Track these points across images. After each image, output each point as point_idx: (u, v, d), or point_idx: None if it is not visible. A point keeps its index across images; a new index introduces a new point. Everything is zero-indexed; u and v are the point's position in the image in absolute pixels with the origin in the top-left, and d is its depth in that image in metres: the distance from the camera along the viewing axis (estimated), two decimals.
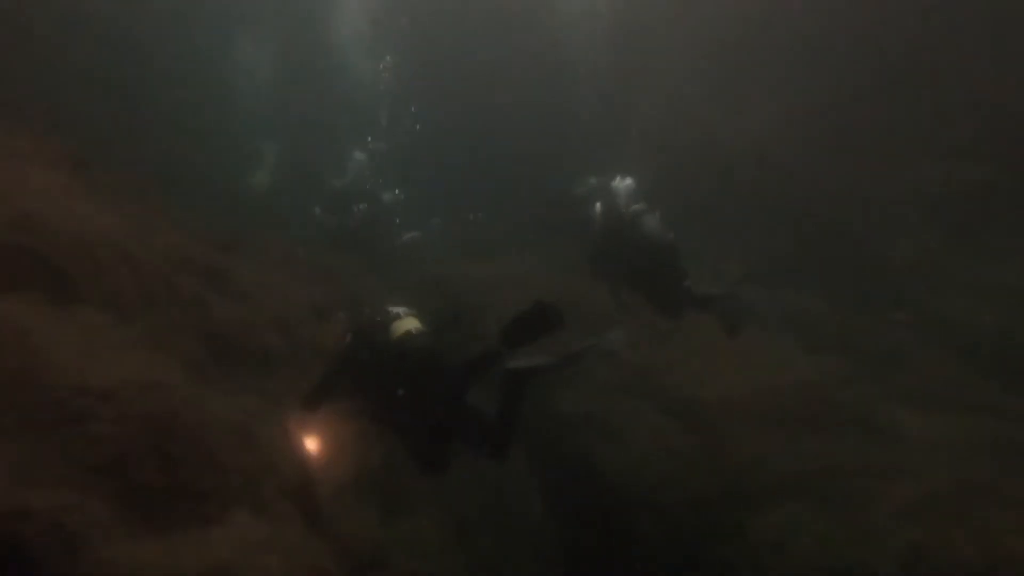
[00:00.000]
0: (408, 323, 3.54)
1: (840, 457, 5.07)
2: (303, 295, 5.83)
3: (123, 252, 3.68)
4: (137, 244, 4.03)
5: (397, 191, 9.47)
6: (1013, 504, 4.22)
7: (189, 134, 8.69)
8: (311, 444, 4.05)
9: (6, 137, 4.15)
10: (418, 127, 10.06)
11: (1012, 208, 7.43)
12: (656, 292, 5.32)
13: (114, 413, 2.51)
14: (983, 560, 3.84)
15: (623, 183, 5.59)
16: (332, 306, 6.03)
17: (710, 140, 9.28)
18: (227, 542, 2.49)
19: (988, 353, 6.61)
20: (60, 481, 2.18)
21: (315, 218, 8.50)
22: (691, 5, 9.46)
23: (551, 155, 9.42)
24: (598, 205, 5.49)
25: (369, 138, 9.67)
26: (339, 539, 3.39)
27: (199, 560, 2.25)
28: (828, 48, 8.79)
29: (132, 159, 6.38)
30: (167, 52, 9.23)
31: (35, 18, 6.70)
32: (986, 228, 7.66)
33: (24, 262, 3.01)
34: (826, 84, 8.77)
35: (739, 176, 8.95)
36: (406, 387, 3.31)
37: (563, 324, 3.30)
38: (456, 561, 4.70)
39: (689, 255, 5.57)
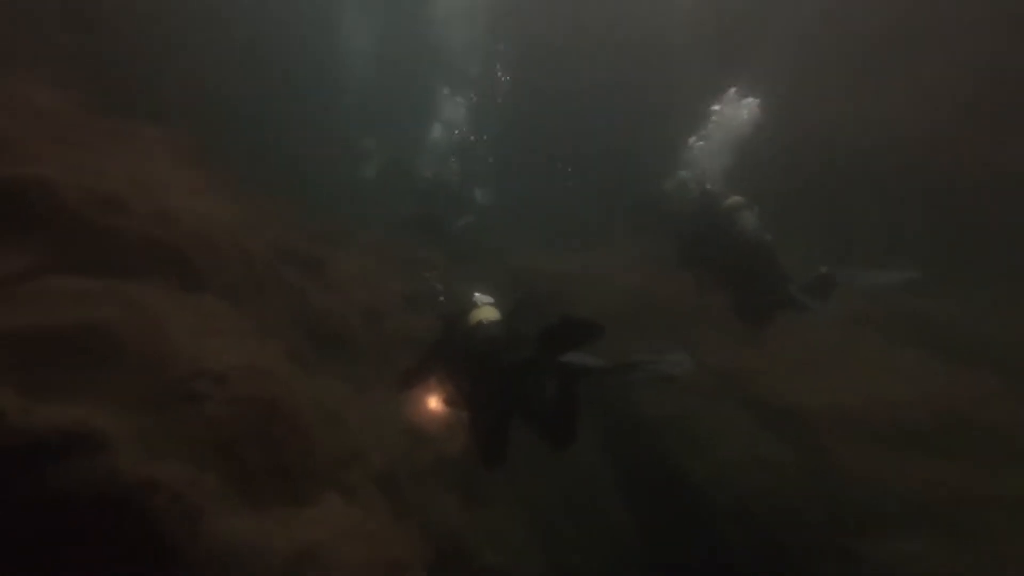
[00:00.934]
0: (484, 312, 3.48)
1: (972, 484, 4.45)
2: (393, 286, 6.08)
3: (239, 244, 4.01)
4: (250, 237, 4.39)
5: (479, 190, 9.55)
6: None
7: (299, 130, 9.27)
8: (403, 426, 4.20)
9: (139, 133, 4.64)
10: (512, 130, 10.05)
11: None
12: (742, 294, 4.85)
13: (227, 395, 2.74)
14: None
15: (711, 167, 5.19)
16: (421, 297, 6.26)
17: (835, 133, 8.41)
18: (318, 524, 2.65)
19: None
20: (180, 456, 2.41)
21: (405, 213, 8.81)
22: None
23: (646, 151, 9.08)
24: (691, 188, 5.11)
25: (456, 131, 9.84)
26: (421, 528, 3.50)
27: (293, 540, 2.41)
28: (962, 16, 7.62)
29: (246, 153, 6.93)
30: (279, 47, 9.87)
31: (157, 13, 7.37)
32: None
33: (162, 252, 3.36)
34: (966, 56, 7.61)
35: (868, 167, 8.03)
36: (475, 374, 3.29)
37: (598, 334, 3.14)
38: (535, 559, 4.71)
39: (792, 253, 5.09)
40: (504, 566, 4.30)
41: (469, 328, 3.38)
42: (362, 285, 5.79)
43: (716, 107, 5.14)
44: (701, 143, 5.70)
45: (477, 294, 3.72)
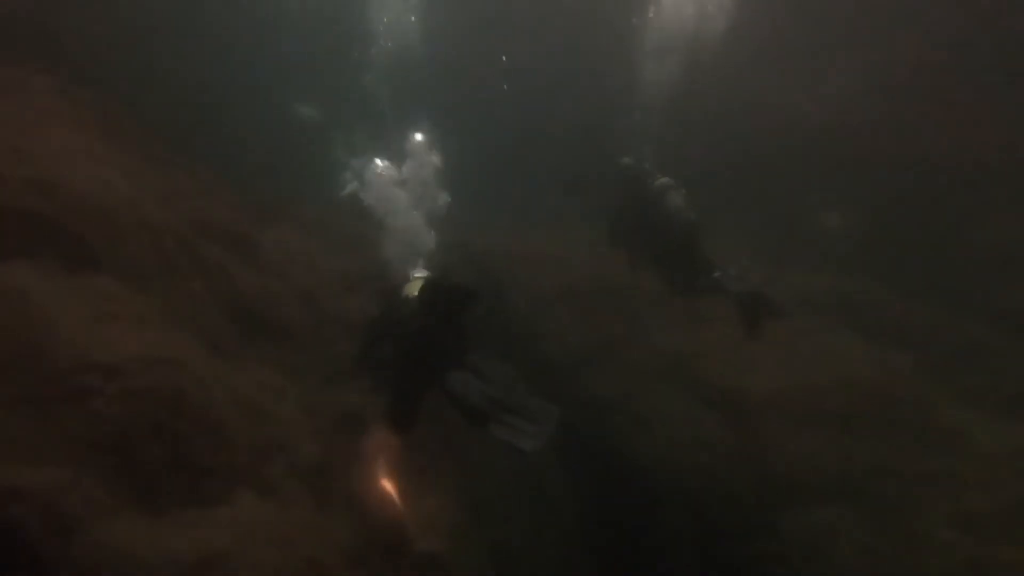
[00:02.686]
0: (413, 285, 3.52)
1: (892, 460, 4.66)
2: (333, 265, 5.76)
3: (146, 219, 3.63)
4: (162, 211, 3.99)
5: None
6: None
7: (231, 93, 8.56)
8: (339, 414, 4.00)
9: (33, 94, 4.13)
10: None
11: None
12: (671, 270, 5.12)
13: (117, 389, 2.46)
14: None
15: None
16: (361, 278, 5.97)
17: (782, 116, 8.50)
18: (226, 526, 2.43)
19: None
20: (55, 460, 2.14)
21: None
22: None
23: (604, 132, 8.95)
24: (623, 173, 5.27)
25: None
26: (351, 521, 3.33)
27: (193, 547, 2.20)
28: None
29: (166, 120, 6.32)
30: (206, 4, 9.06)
31: None
32: None
33: (40, 227, 2.98)
34: (912, 42, 7.78)
35: (810, 149, 8.17)
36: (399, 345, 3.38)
37: (471, 301, 3.38)
38: (476, 544, 4.63)
39: (722, 234, 5.25)
40: (443, 552, 4.20)
41: (401, 300, 3.47)
42: (298, 265, 5.45)
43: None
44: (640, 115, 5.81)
45: (414, 271, 3.74)
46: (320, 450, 3.53)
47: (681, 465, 5.09)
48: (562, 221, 9.10)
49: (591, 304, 6.92)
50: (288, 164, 8.40)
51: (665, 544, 5.01)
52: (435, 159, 5.25)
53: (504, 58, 10.14)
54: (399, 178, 4.59)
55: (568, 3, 10.06)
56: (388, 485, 4.02)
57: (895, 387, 5.34)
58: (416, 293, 3.48)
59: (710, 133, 8.14)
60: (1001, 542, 3.88)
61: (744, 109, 8.79)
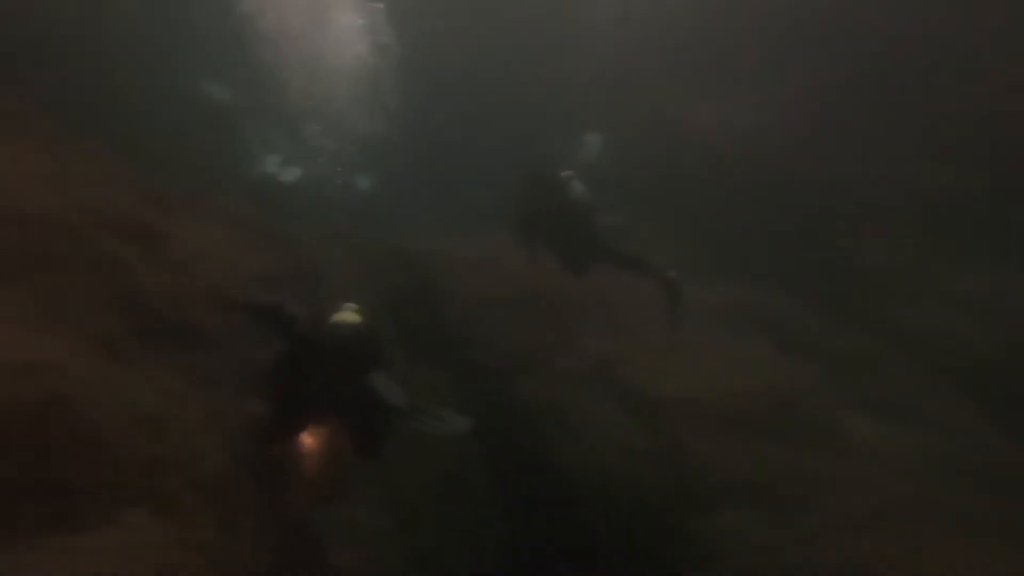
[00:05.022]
0: (345, 315, 3.60)
1: (792, 465, 5.00)
2: (249, 264, 5.41)
3: (25, 206, 3.23)
4: (48, 197, 3.58)
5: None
6: (962, 524, 4.18)
7: (138, 70, 7.81)
8: (248, 423, 3.77)
9: None
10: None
11: (995, 216, 7.33)
12: (566, 249, 5.75)
13: None
14: None
15: (591, 140, 6.05)
16: (281, 278, 5.66)
17: (694, 136, 9.00)
18: (111, 549, 2.19)
19: (964, 367, 6.58)
20: None
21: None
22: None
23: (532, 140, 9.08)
24: (526, 175, 5.82)
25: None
26: (259, 535, 3.12)
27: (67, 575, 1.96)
28: (816, 38, 8.50)
29: (61, 97, 5.66)
30: None
31: None
32: (967, 235, 7.56)
33: None
34: (813, 75, 8.50)
35: (723, 170, 8.70)
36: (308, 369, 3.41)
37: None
38: (397, 552, 4.50)
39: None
40: (361, 562, 4.05)
41: (328, 327, 3.50)
42: (209, 261, 5.07)
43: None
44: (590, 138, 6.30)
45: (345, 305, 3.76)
46: (226, 462, 3.28)
47: (605, 471, 5.20)
48: (495, 227, 9.15)
49: (522, 310, 6.97)
50: (197, 149, 7.81)
51: (588, 548, 5.09)
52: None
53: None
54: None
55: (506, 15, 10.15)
56: (302, 495, 3.83)
57: (798, 394, 5.74)
58: (348, 319, 3.58)
59: (631, 149, 8.50)
60: (884, 540, 4.17)
61: (661, 128, 9.24)
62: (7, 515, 2.03)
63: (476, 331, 6.85)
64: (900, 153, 8.10)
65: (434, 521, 4.98)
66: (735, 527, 4.43)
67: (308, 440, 3.73)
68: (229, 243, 5.49)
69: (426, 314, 7.09)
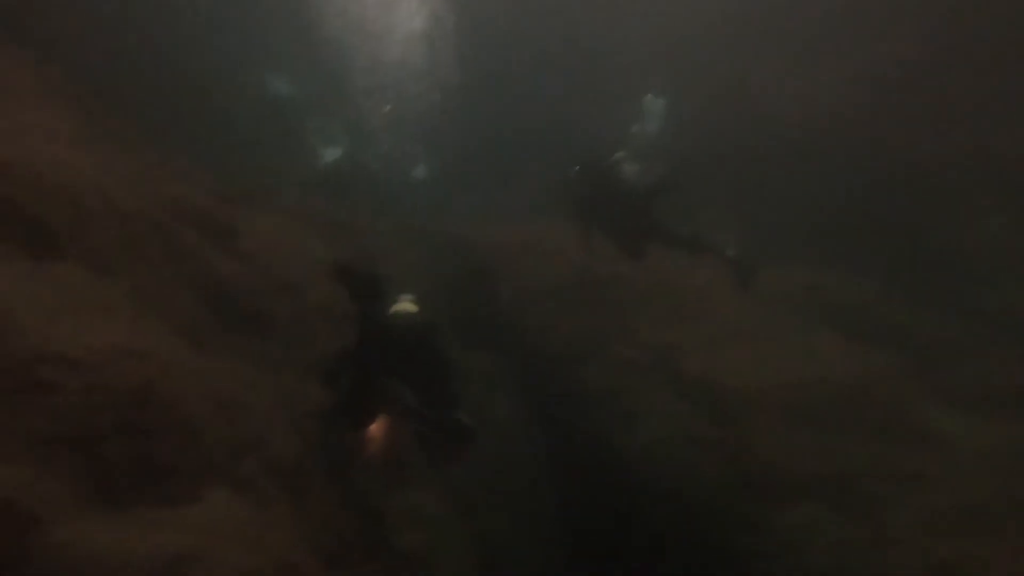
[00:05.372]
0: (403, 305, 3.72)
1: (868, 460, 4.71)
2: (314, 253, 5.62)
3: (112, 202, 3.47)
4: (132, 194, 3.82)
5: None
6: None
7: (213, 73, 8.22)
8: (317, 409, 3.94)
9: (1, 68, 3.92)
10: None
11: None
12: (620, 233, 5.66)
13: (79, 383, 2.33)
14: None
15: (652, 105, 6.10)
16: (346, 267, 5.83)
17: (771, 111, 8.47)
18: (195, 527, 2.33)
19: None
20: (12, 457, 2.02)
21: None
22: None
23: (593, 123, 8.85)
24: (585, 161, 5.71)
25: (388, 107, 9.19)
26: (328, 517, 3.25)
27: (158, 548, 2.10)
28: (914, 4, 7.76)
29: (141, 100, 6.07)
30: None
31: None
32: None
33: (2, 212, 2.81)
34: (902, 47, 7.79)
35: (800, 146, 8.15)
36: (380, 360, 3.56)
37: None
38: (457, 538, 4.58)
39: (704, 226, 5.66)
40: (423, 546, 4.15)
41: (387, 316, 3.61)
42: (282, 252, 5.30)
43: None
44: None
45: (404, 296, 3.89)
46: (297, 445, 3.44)
47: (665, 460, 5.09)
48: (547, 212, 9.05)
49: (579, 297, 6.88)
50: (266, 144, 8.16)
51: (648, 538, 5.02)
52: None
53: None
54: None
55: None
56: (368, 479, 3.96)
57: (874, 386, 5.38)
58: (407, 309, 3.69)
59: (695, 125, 8.10)
60: (970, 541, 3.90)
61: (731, 100, 8.75)
62: (115, 491, 2.20)
63: (532, 318, 6.83)
64: (992, 129, 7.32)
65: (495, 508, 5.04)
66: (807, 523, 4.23)
67: (373, 426, 3.83)
68: (295, 234, 5.72)
69: (482, 301, 7.14)
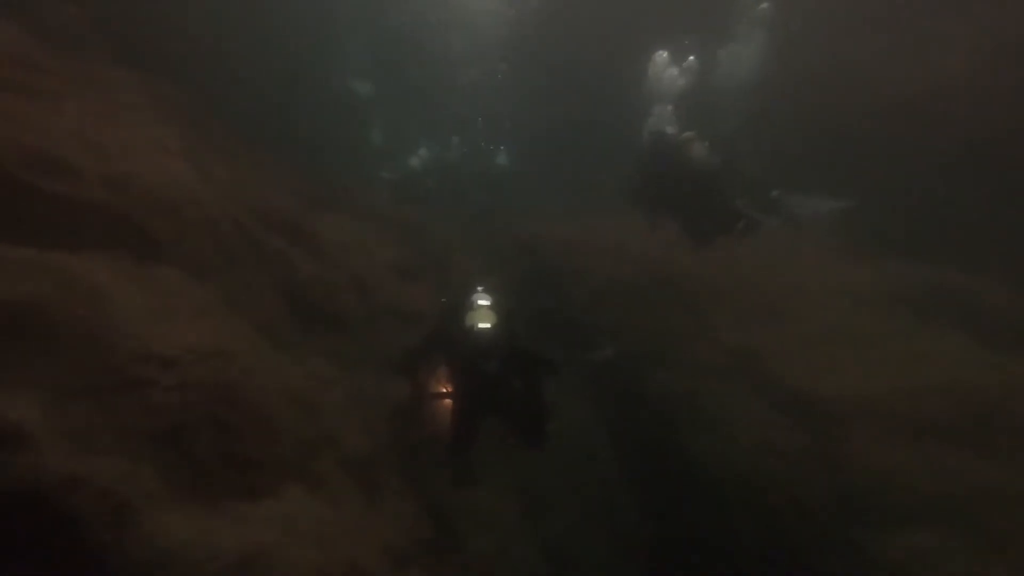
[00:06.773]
0: (480, 316, 3.70)
1: (1002, 481, 4.09)
2: (386, 254, 5.78)
3: (210, 211, 3.71)
4: (227, 202, 4.09)
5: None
6: None
7: (297, 85, 8.68)
8: (389, 408, 4.04)
9: (114, 89, 4.31)
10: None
11: None
12: (691, 216, 5.34)
13: (174, 381, 2.50)
14: None
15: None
16: (415, 267, 5.96)
17: (881, 89, 7.59)
18: (274, 522, 2.43)
19: None
20: (115, 450, 2.19)
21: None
22: None
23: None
24: (647, 134, 5.46)
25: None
26: (400, 517, 3.29)
27: (239, 542, 2.20)
28: None
29: (237, 110, 6.48)
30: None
31: None
32: None
33: (115, 222, 3.08)
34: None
35: (917, 129, 7.27)
36: (461, 373, 3.64)
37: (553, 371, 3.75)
38: (528, 541, 4.53)
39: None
40: (494, 550, 4.13)
41: (465, 329, 3.64)
42: (354, 254, 5.50)
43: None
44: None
45: (477, 293, 3.93)
46: (369, 444, 3.52)
47: (748, 469, 4.73)
48: (615, 207, 8.75)
49: (653, 296, 6.58)
50: (343, 145, 8.47)
51: (727, 549, 4.69)
52: None
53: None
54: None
55: None
56: (438, 480, 3.99)
57: (1009, 395, 4.68)
58: (484, 325, 3.65)
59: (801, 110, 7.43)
60: None
61: (840, 79, 7.93)
62: (205, 484, 2.33)
63: (605, 318, 6.63)
64: None
65: (566, 513, 4.93)
66: (927, 548, 3.75)
67: (445, 425, 3.86)
68: (369, 235, 5.91)
69: (555, 300, 7.04)
